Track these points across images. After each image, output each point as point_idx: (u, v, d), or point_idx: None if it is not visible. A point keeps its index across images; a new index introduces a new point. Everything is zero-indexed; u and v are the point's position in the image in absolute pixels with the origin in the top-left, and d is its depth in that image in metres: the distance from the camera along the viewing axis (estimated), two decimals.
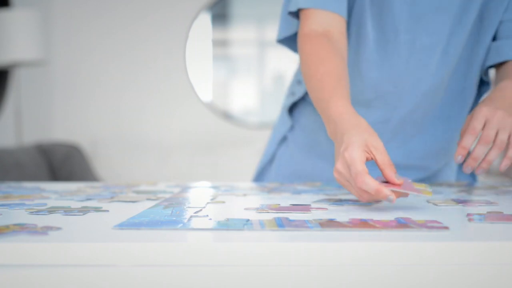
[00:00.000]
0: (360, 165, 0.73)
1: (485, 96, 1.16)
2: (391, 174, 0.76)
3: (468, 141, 0.90)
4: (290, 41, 1.11)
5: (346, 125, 0.80)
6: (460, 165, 1.24)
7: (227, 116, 3.70)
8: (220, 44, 3.86)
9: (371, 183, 0.71)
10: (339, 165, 0.76)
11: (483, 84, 1.17)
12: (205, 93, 3.72)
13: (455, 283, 0.53)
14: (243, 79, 3.97)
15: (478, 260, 0.53)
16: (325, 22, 0.98)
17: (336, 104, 0.85)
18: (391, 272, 0.53)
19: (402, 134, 1.12)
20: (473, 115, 0.91)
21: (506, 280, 0.53)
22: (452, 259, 0.53)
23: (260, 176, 1.27)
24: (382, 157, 0.76)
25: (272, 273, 0.53)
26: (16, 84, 3.03)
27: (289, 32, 1.08)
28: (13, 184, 1.11)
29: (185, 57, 3.63)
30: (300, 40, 1.00)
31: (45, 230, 0.59)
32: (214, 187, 1.03)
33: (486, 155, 0.90)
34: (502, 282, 0.53)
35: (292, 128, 1.22)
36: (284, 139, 1.23)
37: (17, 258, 0.53)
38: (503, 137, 0.89)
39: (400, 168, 1.14)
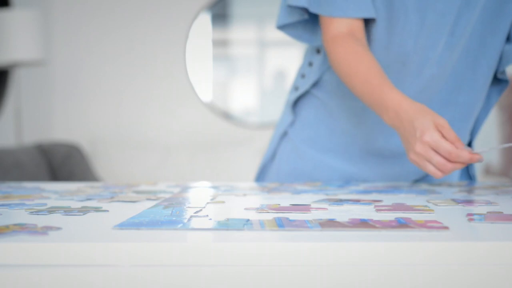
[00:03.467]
0: (447, 144, 0.86)
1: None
2: (461, 147, 0.87)
3: None
4: (289, 27, 1.14)
5: (411, 112, 0.91)
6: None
7: (227, 116, 3.70)
8: (220, 44, 3.86)
9: (464, 155, 0.86)
10: (418, 148, 0.88)
11: (501, 81, 1.17)
12: (205, 93, 3.72)
13: (455, 283, 0.53)
14: (243, 79, 3.97)
15: (478, 260, 0.53)
16: (349, 23, 1.05)
17: (391, 95, 0.95)
18: (391, 272, 0.53)
19: None
20: None
21: (506, 280, 0.53)
22: (452, 259, 0.53)
23: (262, 174, 1.28)
24: (450, 134, 0.87)
25: (272, 273, 0.53)
26: (16, 84, 3.03)
27: (290, 20, 1.11)
28: (13, 184, 1.11)
29: (185, 57, 3.63)
30: (330, 42, 1.06)
31: (45, 230, 0.59)
32: (214, 187, 1.03)
33: None
34: (502, 282, 0.53)
35: (292, 123, 1.23)
36: (284, 134, 1.24)
37: (17, 258, 0.53)
38: None
39: (404, 157, 1.14)
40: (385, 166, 1.16)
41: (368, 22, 1.08)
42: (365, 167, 1.16)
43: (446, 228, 0.60)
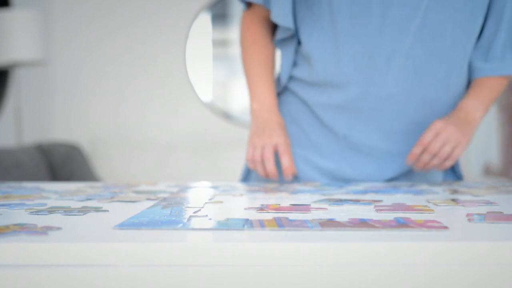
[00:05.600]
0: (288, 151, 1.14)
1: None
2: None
3: (417, 150, 1.08)
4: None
5: (266, 117, 1.17)
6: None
7: (227, 116, 3.70)
8: (220, 44, 3.86)
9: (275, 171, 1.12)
10: (259, 142, 1.14)
11: None
12: (205, 93, 3.72)
13: (455, 283, 0.53)
14: (243, 79, 3.96)
15: (478, 260, 0.53)
16: (266, 12, 1.20)
17: (261, 94, 1.20)
18: (391, 272, 0.53)
19: (381, 115, 1.13)
20: (427, 129, 1.08)
21: (506, 280, 0.53)
22: (452, 259, 0.53)
23: (246, 177, 1.28)
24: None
25: (272, 273, 0.53)
26: (16, 84, 3.03)
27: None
28: (13, 184, 1.11)
29: (185, 57, 3.63)
30: (244, 22, 1.23)
31: (45, 230, 0.59)
32: (213, 187, 1.03)
33: (430, 161, 1.09)
34: (502, 282, 0.53)
35: None
36: None
37: (17, 258, 0.53)
38: (446, 149, 1.07)
39: (381, 153, 1.15)
40: (364, 163, 1.16)
41: (334, 13, 1.09)
42: (345, 164, 1.17)
43: (446, 228, 0.60)
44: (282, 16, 1.13)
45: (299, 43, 1.18)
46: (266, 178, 1.11)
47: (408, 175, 1.19)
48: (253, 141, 1.14)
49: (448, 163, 1.10)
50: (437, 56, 1.09)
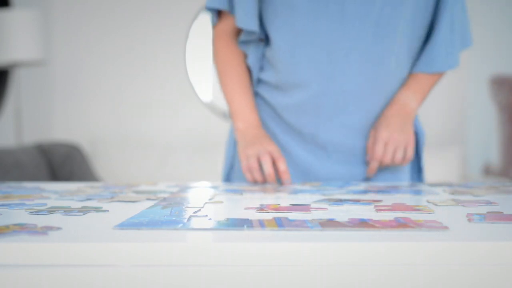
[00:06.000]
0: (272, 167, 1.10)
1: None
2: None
3: (375, 165, 1.16)
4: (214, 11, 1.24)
5: (252, 136, 1.16)
6: (413, 166, 1.27)
7: (227, 116, 3.70)
8: None
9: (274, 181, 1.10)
10: (252, 151, 1.12)
11: None
12: (205, 93, 3.72)
13: (455, 283, 0.53)
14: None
15: (478, 260, 0.53)
16: (233, 24, 1.20)
17: (244, 113, 1.18)
18: (391, 272, 0.53)
19: (343, 111, 1.14)
20: (375, 140, 1.14)
21: (506, 280, 0.53)
22: (452, 259, 0.53)
23: (227, 178, 1.28)
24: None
25: (272, 273, 0.53)
26: (16, 84, 3.03)
27: (216, 5, 1.18)
28: (13, 184, 1.12)
29: (185, 57, 3.63)
30: (215, 36, 1.23)
31: (45, 230, 0.59)
32: (213, 187, 1.03)
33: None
34: (502, 282, 0.53)
35: None
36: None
37: (17, 258, 0.53)
38: (399, 155, 1.15)
39: (348, 151, 1.16)
40: (333, 161, 1.18)
41: (292, 14, 1.11)
42: (315, 164, 1.18)
43: (446, 228, 0.60)
44: (246, 20, 1.13)
45: (265, 46, 1.20)
46: (264, 183, 1.11)
47: (378, 174, 1.20)
48: (245, 152, 1.13)
49: (405, 163, 1.17)
50: (390, 51, 1.12)
